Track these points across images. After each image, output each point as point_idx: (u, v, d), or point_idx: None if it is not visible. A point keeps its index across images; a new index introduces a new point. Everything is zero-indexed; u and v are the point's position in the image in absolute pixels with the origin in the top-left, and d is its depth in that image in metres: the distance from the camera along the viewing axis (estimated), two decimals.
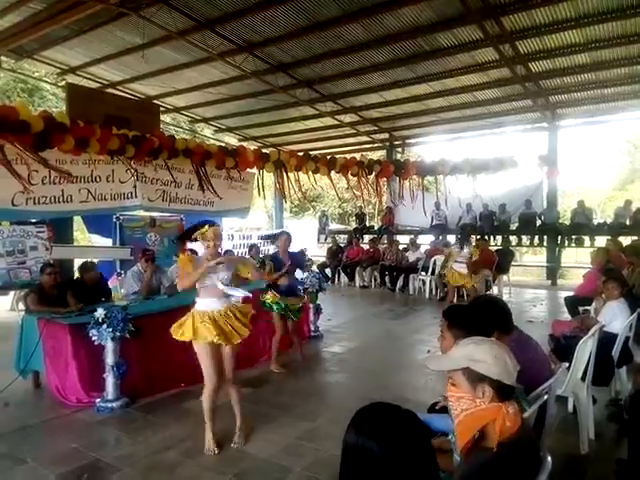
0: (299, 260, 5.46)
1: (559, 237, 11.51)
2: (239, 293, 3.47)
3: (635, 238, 9.59)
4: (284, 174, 6.64)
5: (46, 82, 14.63)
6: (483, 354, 1.65)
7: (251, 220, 14.53)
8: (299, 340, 5.53)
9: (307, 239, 14.32)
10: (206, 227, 3.37)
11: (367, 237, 13.83)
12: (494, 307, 2.54)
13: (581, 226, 11.06)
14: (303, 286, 6.21)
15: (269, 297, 5.06)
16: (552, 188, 12.04)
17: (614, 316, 3.98)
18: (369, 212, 19.79)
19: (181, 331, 3.34)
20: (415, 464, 1.23)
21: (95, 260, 5.95)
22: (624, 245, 8.32)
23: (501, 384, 1.60)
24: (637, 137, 26.04)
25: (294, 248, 5.48)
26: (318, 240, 15.23)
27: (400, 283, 10.99)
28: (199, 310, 3.36)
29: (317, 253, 15.08)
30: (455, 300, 7.93)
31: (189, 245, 8.20)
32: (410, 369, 5.46)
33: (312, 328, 6.65)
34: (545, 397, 2.14)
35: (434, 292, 10.00)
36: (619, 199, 17.06)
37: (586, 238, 11.10)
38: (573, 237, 11.30)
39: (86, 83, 10.30)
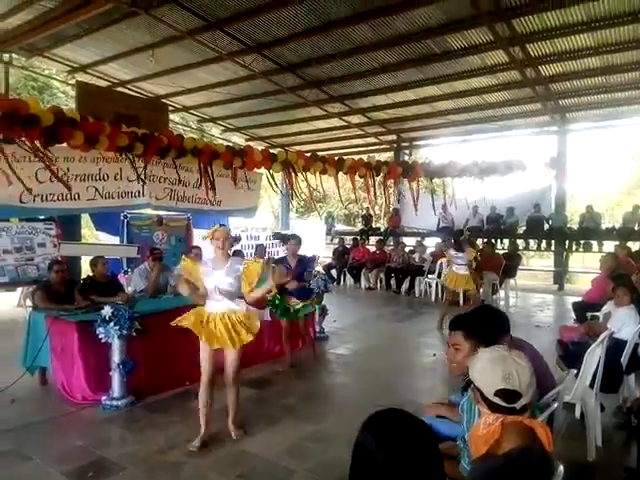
0: (307, 265, 5.51)
1: (567, 241, 11.43)
2: (234, 306, 3.43)
3: None
4: (292, 174, 6.65)
5: (56, 80, 14.70)
6: (476, 360, 1.72)
7: (258, 220, 14.50)
8: (309, 339, 5.62)
9: (314, 240, 14.28)
10: (216, 226, 3.50)
11: (373, 239, 13.79)
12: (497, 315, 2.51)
13: (589, 231, 10.98)
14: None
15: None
16: (560, 192, 11.96)
17: (624, 323, 3.95)
18: (375, 214, 19.72)
19: (183, 318, 3.47)
20: (417, 472, 1.20)
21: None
22: (632, 250, 8.26)
23: (483, 395, 1.63)
24: None
25: (306, 252, 5.59)
26: (325, 241, 15.20)
27: (406, 286, 10.94)
28: (202, 308, 3.48)
29: (324, 254, 15.04)
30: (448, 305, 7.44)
31: (195, 242, 8.22)
32: (415, 372, 5.43)
33: (317, 329, 6.63)
34: (555, 405, 2.13)
35: (440, 295, 9.95)
36: (627, 204, 16.91)
37: (594, 243, 11.02)
38: (581, 242, 11.23)
39: (96, 81, 10.33)
